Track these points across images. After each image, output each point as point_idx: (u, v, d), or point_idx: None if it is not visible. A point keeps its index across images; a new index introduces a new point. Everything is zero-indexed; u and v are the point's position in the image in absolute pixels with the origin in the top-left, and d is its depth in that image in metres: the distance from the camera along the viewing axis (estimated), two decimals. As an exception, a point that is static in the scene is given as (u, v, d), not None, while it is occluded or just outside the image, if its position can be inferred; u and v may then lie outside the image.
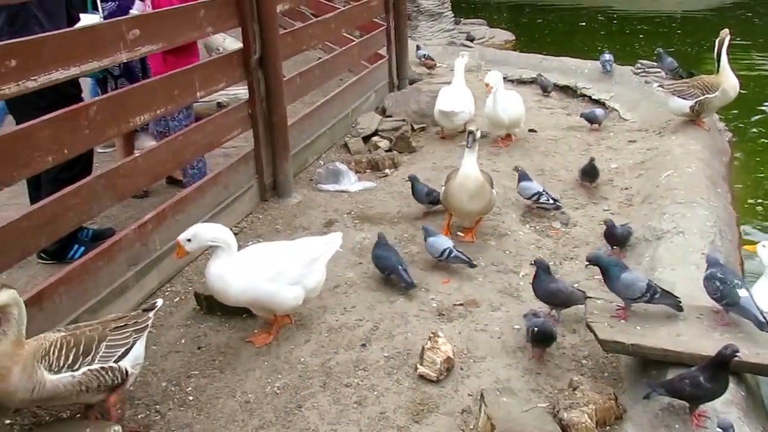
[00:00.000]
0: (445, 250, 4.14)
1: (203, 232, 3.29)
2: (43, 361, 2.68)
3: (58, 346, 2.74)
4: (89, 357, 2.79)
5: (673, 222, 4.32)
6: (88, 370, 2.77)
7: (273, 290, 3.37)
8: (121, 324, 2.96)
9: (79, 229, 4.52)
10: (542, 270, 3.64)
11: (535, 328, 3.33)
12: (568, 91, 8.38)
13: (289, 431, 2.97)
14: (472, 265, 4.15)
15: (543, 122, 7.08)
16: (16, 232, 3.16)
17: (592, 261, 3.48)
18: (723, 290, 3.15)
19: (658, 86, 6.44)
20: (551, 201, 4.85)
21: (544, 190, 4.87)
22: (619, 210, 4.96)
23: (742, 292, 3.12)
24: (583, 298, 3.58)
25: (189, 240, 3.28)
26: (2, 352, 2.57)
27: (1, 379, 2.58)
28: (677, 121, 6.37)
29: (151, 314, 3.09)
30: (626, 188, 5.31)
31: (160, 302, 3.19)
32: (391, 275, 4.06)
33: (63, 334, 2.82)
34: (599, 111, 6.90)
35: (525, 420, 2.85)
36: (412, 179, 4.97)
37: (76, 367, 2.75)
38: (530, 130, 6.70)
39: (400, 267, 3.99)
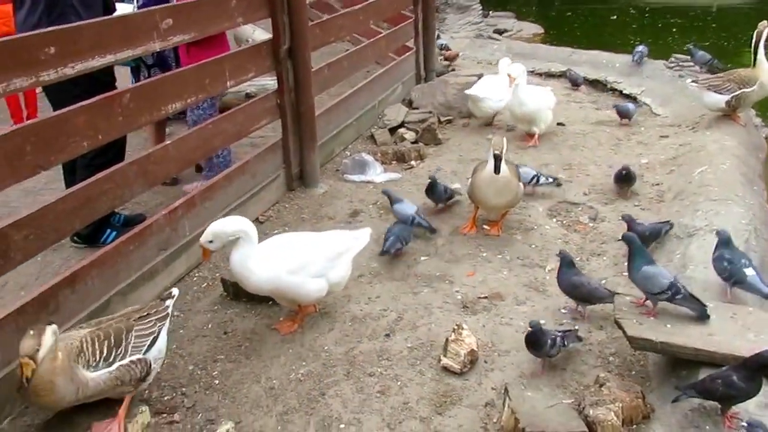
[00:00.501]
0: (409, 216, 4.43)
1: (222, 230, 3.29)
2: (80, 359, 2.71)
3: (90, 341, 2.77)
4: (121, 348, 2.83)
5: (705, 219, 4.24)
6: (121, 363, 2.82)
7: (295, 282, 3.38)
8: (144, 314, 2.99)
9: (112, 215, 4.60)
10: (566, 263, 3.61)
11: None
12: (597, 85, 8.26)
13: (313, 418, 2.99)
14: (432, 231, 4.50)
15: (571, 116, 7.00)
16: (51, 215, 3.23)
17: (626, 240, 3.42)
18: (731, 270, 3.40)
19: (692, 81, 6.32)
20: (550, 179, 5.04)
21: (539, 173, 5.01)
22: (650, 206, 4.89)
23: (749, 271, 3.38)
24: (610, 295, 3.52)
25: (211, 241, 3.30)
26: (41, 371, 2.57)
27: (47, 393, 2.62)
28: (711, 116, 6.25)
29: (168, 303, 3.11)
30: (657, 184, 5.23)
31: (176, 291, 3.22)
32: (412, 224, 4.38)
33: (89, 330, 2.85)
34: (631, 105, 6.75)
35: (550, 415, 2.84)
36: (433, 180, 4.83)
37: (111, 359, 2.79)
38: (559, 124, 6.63)
39: (392, 237, 4.18)
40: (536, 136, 6.18)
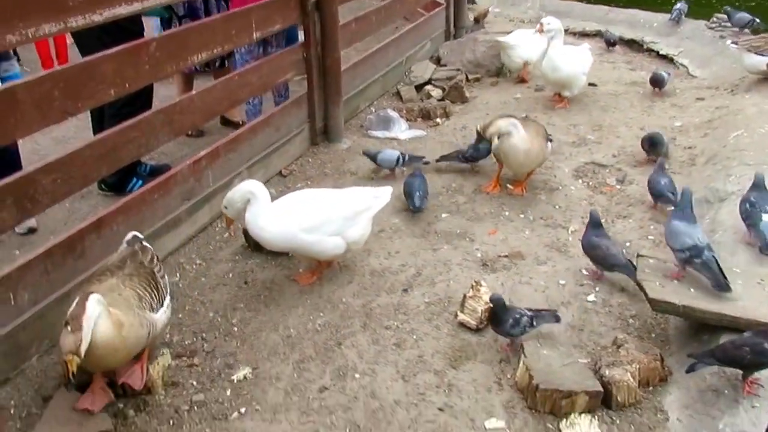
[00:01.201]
0: (398, 157, 4.62)
1: (231, 196, 3.36)
2: (143, 304, 2.72)
3: (142, 287, 2.77)
4: (162, 290, 2.89)
5: (738, 184, 4.12)
6: (168, 303, 2.90)
7: (310, 240, 3.36)
8: (149, 258, 2.97)
9: (138, 164, 4.66)
10: (593, 222, 3.57)
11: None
12: (633, 45, 8.03)
13: (328, 367, 3.04)
14: (423, 161, 4.64)
15: (604, 76, 6.83)
16: (79, 160, 3.27)
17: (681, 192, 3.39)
18: (750, 212, 3.51)
19: (732, 42, 6.09)
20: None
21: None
22: (680, 170, 4.77)
23: (765, 217, 3.45)
24: (625, 264, 3.41)
25: (225, 207, 3.39)
26: (106, 334, 2.50)
27: (121, 351, 2.58)
28: (752, 79, 6.03)
29: (151, 249, 3.04)
30: (689, 147, 5.09)
31: (139, 234, 3.13)
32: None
33: (124, 278, 2.78)
34: (665, 73, 6.29)
35: (565, 374, 2.84)
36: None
37: (161, 300, 2.85)
38: (590, 84, 6.47)
39: (418, 193, 4.22)
40: (565, 99, 6.04)
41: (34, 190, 3.01)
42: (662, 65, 7.31)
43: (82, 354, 2.36)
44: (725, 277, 3.03)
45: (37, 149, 5.33)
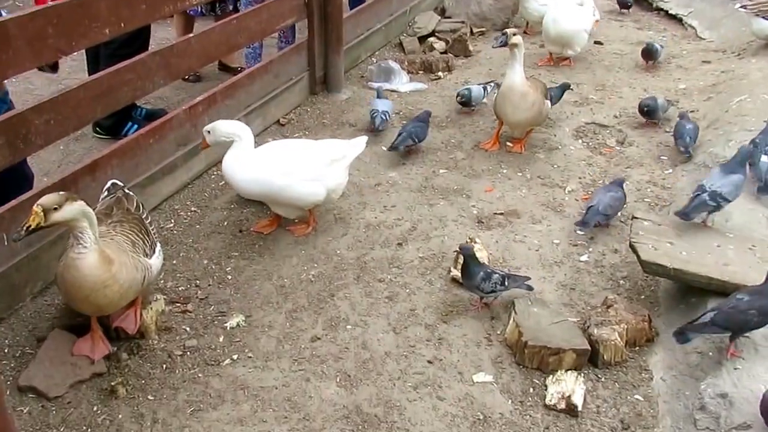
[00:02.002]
0: (373, 111, 4.62)
1: (220, 126, 3.37)
2: (137, 249, 2.69)
3: (134, 233, 2.75)
4: (152, 236, 2.87)
5: (737, 150, 4.10)
6: (159, 248, 2.88)
7: (284, 184, 3.35)
8: (135, 205, 2.95)
9: (133, 108, 4.60)
10: (617, 183, 3.76)
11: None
12: (643, 3, 7.85)
13: (321, 317, 3.07)
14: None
15: (611, 35, 6.71)
16: (73, 101, 3.22)
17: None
18: (752, 152, 3.59)
19: (741, 6, 5.97)
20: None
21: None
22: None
23: (764, 158, 3.58)
24: (592, 222, 3.57)
25: (208, 132, 3.38)
26: (95, 266, 2.47)
27: (117, 294, 2.55)
28: (760, 43, 5.93)
29: (130, 192, 3.04)
30: (692, 111, 5.03)
31: (120, 183, 3.10)
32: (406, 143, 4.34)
33: (114, 224, 2.76)
34: (658, 45, 5.80)
35: (553, 331, 2.87)
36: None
37: (153, 245, 2.83)
38: (596, 42, 6.37)
39: (404, 134, 4.28)
40: (569, 57, 5.92)
41: (26, 131, 2.97)
42: (670, 25, 7.19)
43: (50, 220, 2.30)
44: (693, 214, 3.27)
45: (31, 89, 5.25)
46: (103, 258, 2.50)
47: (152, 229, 2.94)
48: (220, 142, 3.38)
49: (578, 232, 3.67)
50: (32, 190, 3.09)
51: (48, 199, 2.34)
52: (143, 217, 2.91)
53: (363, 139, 3.71)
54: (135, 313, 2.88)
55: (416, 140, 4.33)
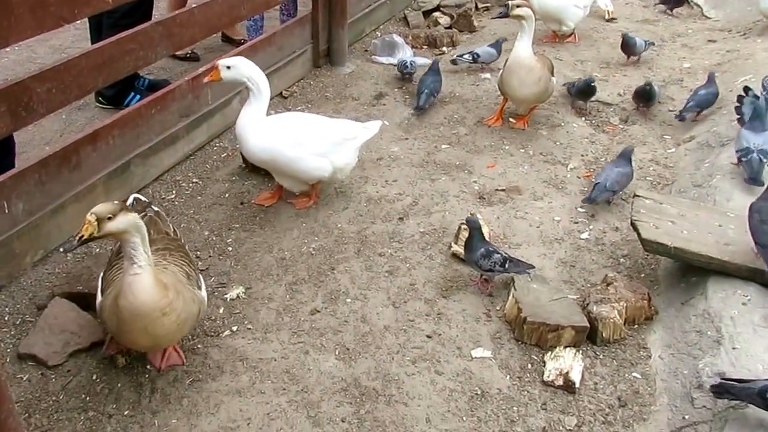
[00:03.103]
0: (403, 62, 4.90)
1: (244, 65, 3.26)
2: (191, 281, 2.49)
3: (186, 263, 2.53)
4: (195, 265, 2.66)
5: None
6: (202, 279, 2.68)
7: (294, 156, 3.34)
8: (170, 226, 2.77)
9: (136, 78, 4.57)
10: (626, 154, 3.76)
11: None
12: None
13: (321, 290, 3.08)
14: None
15: (616, 12, 6.62)
16: (75, 70, 3.19)
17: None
18: (755, 108, 3.74)
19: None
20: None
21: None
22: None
23: (754, 155, 3.59)
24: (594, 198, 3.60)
25: (228, 67, 3.26)
26: (154, 289, 2.25)
27: (177, 327, 2.36)
28: (766, 23, 5.88)
29: (159, 210, 2.83)
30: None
31: (143, 198, 2.93)
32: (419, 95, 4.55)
33: (160, 251, 2.52)
34: (639, 40, 5.36)
35: (553, 308, 2.88)
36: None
37: (199, 278, 2.63)
38: (609, 20, 6.29)
39: (425, 92, 4.47)
40: (574, 34, 5.85)
41: (28, 98, 2.94)
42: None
43: (103, 230, 2.11)
44: (759, 177, 3.47)
45: (34, 57, 5.21)
46: (158, 281, 2.27)
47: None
48: (236, 81, 3.29)
49: (579, 209, 3.67)
50: (35, 159, 3.08)
51: (103, 208, 2.14)
52: (182, 242, 2.70)
53: (377, 123, 3.69)
54: (174, 349, 2.68)
55: (435, 96, 4.59)
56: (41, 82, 3.01)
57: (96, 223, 2.11)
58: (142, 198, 2.90)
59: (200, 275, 2.69)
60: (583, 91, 4.63)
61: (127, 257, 2.23)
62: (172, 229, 2.74)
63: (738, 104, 3.98)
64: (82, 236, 2.11)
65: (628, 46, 5.33)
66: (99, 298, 2.49)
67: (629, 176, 3.71)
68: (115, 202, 2.21)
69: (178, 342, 2.67)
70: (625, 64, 5.42)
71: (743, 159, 3.52)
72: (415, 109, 4.53)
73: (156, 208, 2.79)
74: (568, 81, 4.83)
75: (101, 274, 2.59)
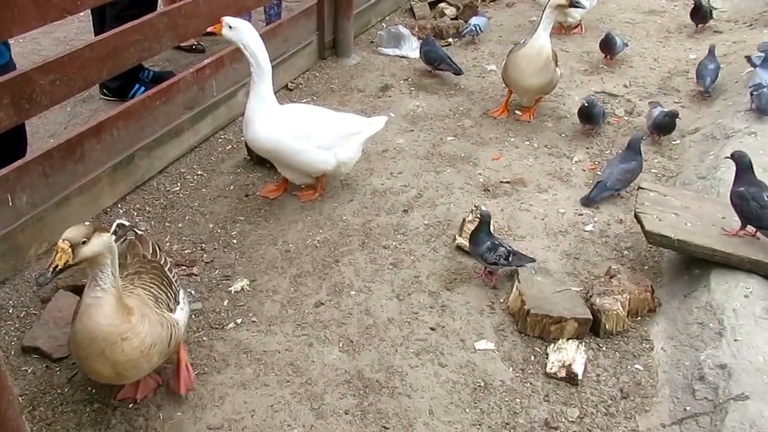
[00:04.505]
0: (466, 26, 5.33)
1: (246, 30, 3.20)
2: (160, 305, 2.32)
3: (155, 285, 2.37)
4: (175, 285, 2.49)
5: (746, 122, 4.06)
6: (183, 299, 2.52)
7: (300, 148, 3.35)
8: (150, 248, 2.58)
9: (141, 70, 4.57)
10: (635, 142, 3.73)
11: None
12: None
13: (325, 283, 3.08)
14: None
15: (623, 3, 6.59)
16: (78, 61, 3.20)
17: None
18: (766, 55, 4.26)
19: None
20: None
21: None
22: (690, 104, 4.68)
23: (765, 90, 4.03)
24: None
25: (231, 27, 3.20)
26: (112, 313, 2.09)
27: (142, 357, 2.18)
28: (773, 14, 5.84)
29: (143, 233, 2.65)
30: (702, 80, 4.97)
31: (127, 222, 2.79)
32: (440, 65, 4.83)
33: (130, 276, 2.38)
34: (619, 41, 5.16)
35: (556, 300, 2.89)
36: (590, 102, 4.18)
37: (177, 298, 2.46)
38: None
39: (448, 58, 4.76)
40: (580, 25, 5.81)
41: (31, 90, 2.95)
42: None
43: (78, 256, 1.97)
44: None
45: (39, 50, 5.21)
46: (121, 305, 2.13)
47: (174, 275, 2.53)
48: (236, 44, 3.24)
49: (581, 208, 3.66)
50: (39, 152, 3.09)
51: (75, 232, 1.98)
52: (162, 262, 2.52)
53: (383, 119, 3.69)
54: (186, 368, 2.53)
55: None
56: (45, 74, 3.02)
57: (70, 249, 1.96)
58: (126, 223, 2.76)
59: (181, 292, 2.51)
60: (662, 126, 4.18)
61: (91, 279, 2.08)
62: (153, 250, 2.56)
63: (747, 58, 4.62)
64: (56, 266, 1.95)
65: (608, 45, 5.14)
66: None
67: (635, 171, 3.67)
68: (86, 223, 2.07)
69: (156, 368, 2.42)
70: (606, 63, 5.31)
71: (755, 92, 4.02)
72: (456, 72, 4.87)
73: (139, 231, 2.64)
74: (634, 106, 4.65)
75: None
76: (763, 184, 2.94)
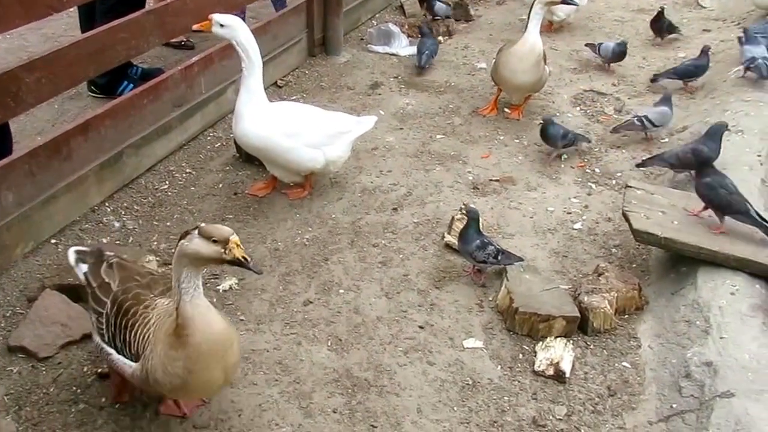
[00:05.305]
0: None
1: (240, 27, 3.18)
2: None
3: None
4: None
5: (733, 120, 4.08)
6: None
7: (289, 146, 3.34)
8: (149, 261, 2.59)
9: (129, 67, 4.54)
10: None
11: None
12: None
13: (314, 281, 3.08)
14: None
15: (612, 2, 6.61)
16: (65, 59, 3.18)
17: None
18: (746, 33, 4.62)
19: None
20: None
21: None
22: (679, 102, 4.68)
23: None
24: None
25: (222, 25, 3.17)
26: (216, 314, 2.11)
27: (234, 347, 2.17)
28: (760, 13, 5.86)
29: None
30: (690, 79, 4.98)
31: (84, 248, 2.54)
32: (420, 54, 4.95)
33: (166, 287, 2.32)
34: (612, 44, 5.09)
35: (544, 298, 2.90)
36: (546, 121, 4.00)
37: None
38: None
39: (426, 53, 4.92)
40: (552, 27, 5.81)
41: (17, 88, 2.93)
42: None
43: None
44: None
45: (26, 46, 5.17)
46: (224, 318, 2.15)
47: None
48: (228, 41, 3.24)
49: (572, 200, 3.67)
50: (25, 150, 3.07)
51: (224, 230, 1.99)
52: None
53: (372, 119, 3.68)
54: None
55: (434, 57, 5.04)
56: (30, 71, 3.00)
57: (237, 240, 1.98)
58: (85, 249, 2.50)
59: None
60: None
61: (191, 286, 2.02)
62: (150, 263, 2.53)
63: (738, 39, 4.77)
64: (244, 257, 1.97)
65: (600, 51, 5.09)
66: (131, 366, 2.17)
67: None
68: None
69: None
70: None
71: (751, 66, 4.31)
72: (419, 66, 4.93)
73: (109, 253, 2.46)
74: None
75: (106, 340, 2.25)
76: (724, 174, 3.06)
